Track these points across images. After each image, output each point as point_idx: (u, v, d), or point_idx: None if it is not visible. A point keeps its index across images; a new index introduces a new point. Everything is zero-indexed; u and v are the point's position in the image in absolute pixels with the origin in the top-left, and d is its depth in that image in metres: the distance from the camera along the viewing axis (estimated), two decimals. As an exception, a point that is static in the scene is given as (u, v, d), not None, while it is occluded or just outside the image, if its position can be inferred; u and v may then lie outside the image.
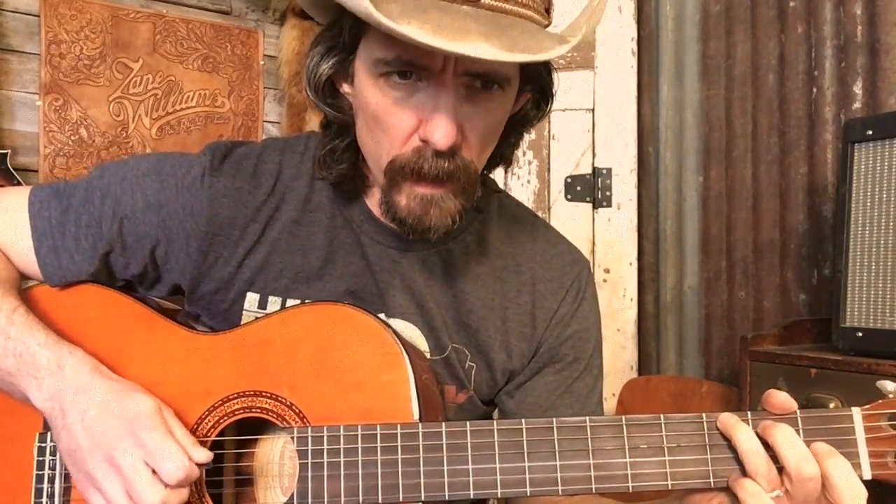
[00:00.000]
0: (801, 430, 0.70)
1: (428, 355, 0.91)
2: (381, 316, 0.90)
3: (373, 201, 0.91)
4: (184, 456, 0.73)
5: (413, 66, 0.75)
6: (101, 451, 0.74)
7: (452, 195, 0.80)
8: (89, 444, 0.74)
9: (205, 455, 0.75)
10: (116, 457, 0.73)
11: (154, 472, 0.72)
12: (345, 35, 0.80)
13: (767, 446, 0.69)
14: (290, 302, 0.90)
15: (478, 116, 0.79)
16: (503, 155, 0.92)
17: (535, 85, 0.87)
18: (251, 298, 0.90)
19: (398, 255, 0.91)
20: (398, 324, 0.91)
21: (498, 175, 1.75)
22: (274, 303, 0.90)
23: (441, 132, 0.74)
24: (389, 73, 0.76)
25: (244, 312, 0.90)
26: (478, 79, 0.76)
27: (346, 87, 0.85)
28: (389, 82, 0.77)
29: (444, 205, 0.80)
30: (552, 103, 0.91)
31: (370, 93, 0.78)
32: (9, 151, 2.23)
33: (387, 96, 0.77)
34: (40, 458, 0.83)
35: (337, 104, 0.86)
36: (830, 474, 0.66)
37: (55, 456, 0.82)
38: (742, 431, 0.70)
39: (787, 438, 0.68)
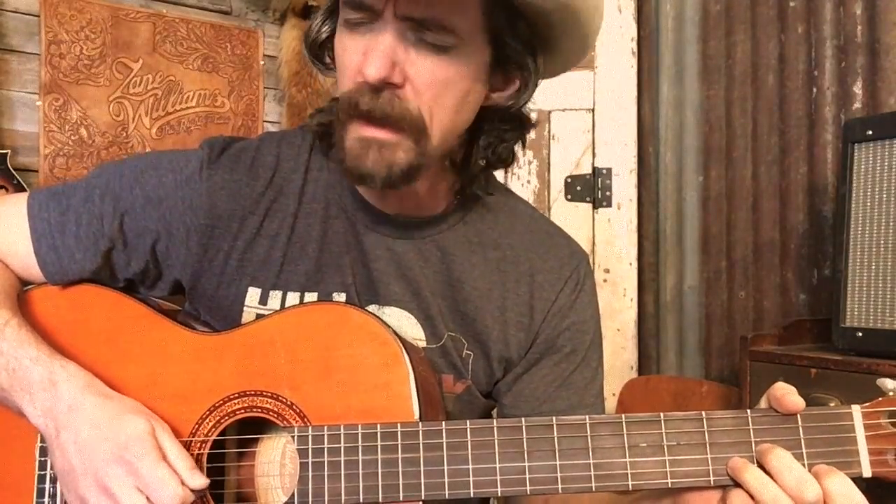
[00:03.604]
0: (801, 428, 0.70)
1: (424, 343, 0.91)
2: (374, 307, 0.91)
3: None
4: (177, 483, 0.72)
5: (362, 6, 0.77)
6: (92, 476, 0.74)
7: (394, 143, 0.79)
8: (82, 468, 0.74)
9: (201, 481, 0.74)
10: (108, 483, 0.73)
11: (149, 498, 0.72)
12: None
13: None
14: (290, 295, 0.90)
15: (424, 63, 0.78)
16: (495, 151, 0.90)
17: (508, 65, 0.85)
18: (252, 294, 0.90)
19: (393, 242, 0.92)
20: (393, 311, 0.91)
21: (498, 175, 1.75)
22: (275, 297, 0.90)
23: (370, 63, 0.76)
24: (346, 16, 0.79)
25: (245, 308, 0.90)
26: (421, 27, 0.77)
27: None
28: (348, 26, 0.80)
29: (384, 151, 0.79)
30: (531, 90, 0.88)
31: (338, 40, 0.83)
32: (9, 151, 2.23)
33: (345, 39, 0.81)
34: (42, 458, 0.83)
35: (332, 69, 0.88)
36: (830, 490, 0.66)
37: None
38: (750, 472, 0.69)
39: (783, 463, 0.68)
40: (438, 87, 0.80)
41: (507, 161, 0.93)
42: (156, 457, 0.73)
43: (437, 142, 0.82)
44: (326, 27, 0.87)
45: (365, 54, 0.78)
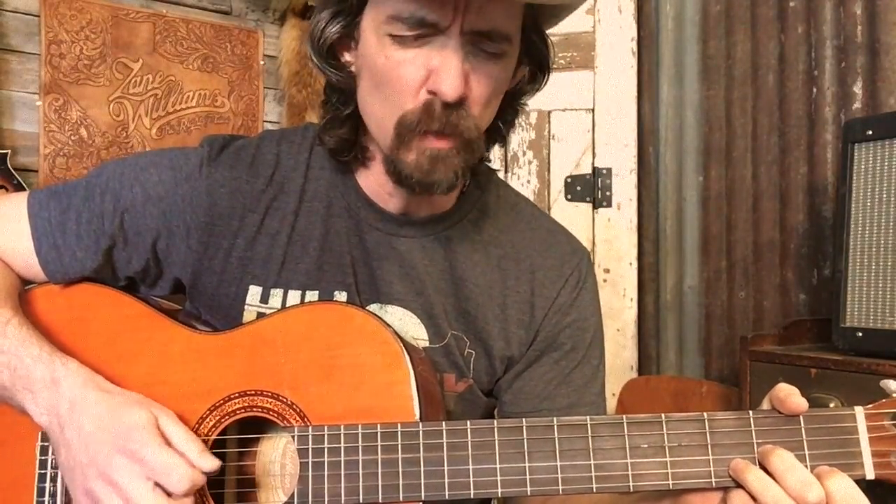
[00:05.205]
0: (803, 430, 0.70)
1: (426, 343, 0.91)
2: (376, 306, 0.91)
3: (370, 184, 0.91)
4: (185, 466, 0.72)
5: (424, 22, 0.75)
6: (96, 469, 0.74)
7: (457, 151, 0.80)
8: (87, 462, 0.74)
9: (212, 463, 0.74)
10: (111, 474, 0.73)
11: (156, 484, 0.71)
12: None
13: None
14: (291, 294, 0.90)
15: (483, 72, 0.79)
16: (499, 131, 0.92)
17: (532, 58, 0.88)
18: (253, 292, 0.90)
19: (397, 241, 0.91)
20: (396, 310, 0.91)
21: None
22: (276, 295, 0.90)
23: (449, 82, 0.76)
24: (399, 32, 0.77)
25: (246, 307, 0.90)
26: (483, 38, 0.77)
27: (347, 56, 0.86)
28: (398, 38, 0.77)
29: (450, 160, 0.80)
30: (549, 76, 0.91)
31: (378, 51, 0.79)
32: (9, 151, 2.23)
33: (395, 52, 0.78)
34: (42, 458, 0.83)
35: (339, 70, 0.86)
36: (833, 492, 0.66)
37: (57, 455, 0.82)
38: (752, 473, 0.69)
39: (785, 464, 0.67)
40: (491, 94, 0.82)
41: (505, 138, 0.95)
42: (159, 443, 0.73)
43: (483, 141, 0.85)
44: (337, 28, 0.83)
45: (435, 71, 0.77)
